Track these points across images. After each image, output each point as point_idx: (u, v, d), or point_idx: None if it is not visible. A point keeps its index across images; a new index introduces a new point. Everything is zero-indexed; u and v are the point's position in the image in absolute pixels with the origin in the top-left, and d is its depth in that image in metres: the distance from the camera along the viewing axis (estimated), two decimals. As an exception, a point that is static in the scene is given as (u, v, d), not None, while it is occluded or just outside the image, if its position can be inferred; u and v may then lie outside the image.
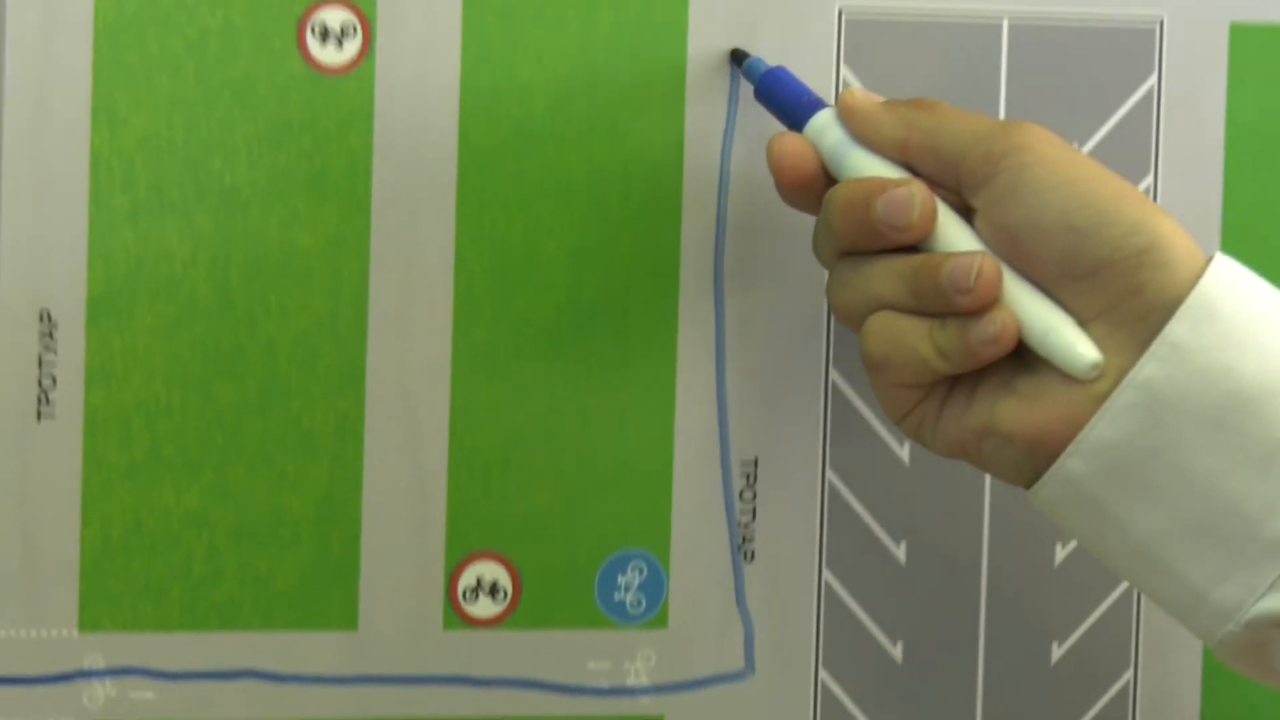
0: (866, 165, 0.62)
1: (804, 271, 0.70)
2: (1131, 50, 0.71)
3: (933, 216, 0.60)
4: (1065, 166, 0.59)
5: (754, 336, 0.70)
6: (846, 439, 0.71)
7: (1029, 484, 0.60)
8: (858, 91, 0.63)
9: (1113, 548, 0.59)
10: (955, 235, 0.60)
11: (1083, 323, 0.58)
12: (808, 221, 0.65)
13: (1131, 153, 0.71)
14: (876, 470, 0.71)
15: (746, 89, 0.68)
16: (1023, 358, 0.59)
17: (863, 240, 0.61)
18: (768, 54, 0.67)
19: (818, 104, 0.65)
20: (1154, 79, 0.71)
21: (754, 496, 0.70)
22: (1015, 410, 0.59)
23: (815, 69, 0.69)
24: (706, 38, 0.69)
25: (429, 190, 0.68)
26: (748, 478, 0.70)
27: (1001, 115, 0.70)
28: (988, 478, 0.71)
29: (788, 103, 0.65)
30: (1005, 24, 0.70)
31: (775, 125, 0.66)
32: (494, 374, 0.69)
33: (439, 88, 0.68)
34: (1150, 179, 0.71)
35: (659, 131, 0.69)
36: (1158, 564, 0.58)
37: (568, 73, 0.68)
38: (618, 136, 0.69)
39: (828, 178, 0.63)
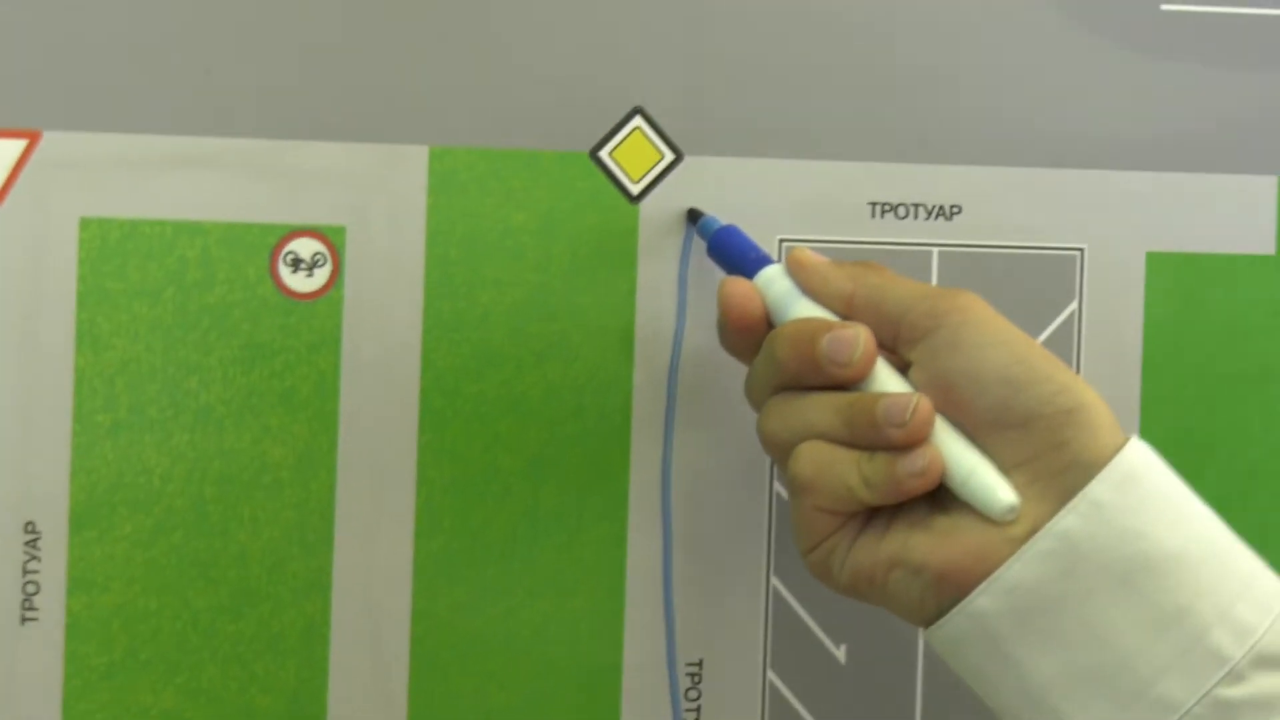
0: (811, 313, 0.65)
1: (747, 482, 0.73)
2: (1055, 277, 0.75)
3: (873, 357, 0.63)
4: (1003, 330, 0.62)
5: (701, 544, 0.73)
6: (786, 641, 0.74)
7: (929, 621, 0.62)
8: (807, 250, 0.67)
9: (1005, 689, 0.61)
10: (889, 380, 0.63)
11: (1004, 470, 0.61)
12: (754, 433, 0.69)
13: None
14: (814, 670, 0.74)
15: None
16: (939, 501, 0.62)
17: (803, 374, 0.64)
18: (713, 284, 0.71)
19: (767, 260, 0.68)
20: (1075, 304, 0.75)
21: (699, 695, 0.73)
22: (928, 543, 0.61)
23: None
24: (655, 265, 0.73)
25: (393, 408, 0.72)
26: (693, 677, 0.73)
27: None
28: (919, 676, 0.75)
29: (738, 257, 0.69)
30: (935, 252, 0.74)
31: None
32: (453, 580, 0.72)
33: (403, 312, 0.71)
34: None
35: (610, 351, 0.73)
36: (1047, 709, 0.60)
37: (525, 298, 0.72)
38: (572, 357, 0.72)
39: (769, 326, 0.67)
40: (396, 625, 0.72)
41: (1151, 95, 0.75)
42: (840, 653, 0.74)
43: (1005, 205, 0.75)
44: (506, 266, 0.72)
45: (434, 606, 0.72)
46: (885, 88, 0.74)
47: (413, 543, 0.72)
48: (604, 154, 0.72)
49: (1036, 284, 0.74)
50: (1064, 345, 0.75)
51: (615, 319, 0.73)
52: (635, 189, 0.73)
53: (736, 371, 0.70)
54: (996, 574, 0.60)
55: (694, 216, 0.72)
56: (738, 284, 0.67)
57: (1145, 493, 0.60)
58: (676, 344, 0.72)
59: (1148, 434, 0.72)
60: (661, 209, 0.73)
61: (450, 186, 0.72)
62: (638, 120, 0.73)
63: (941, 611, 0.61)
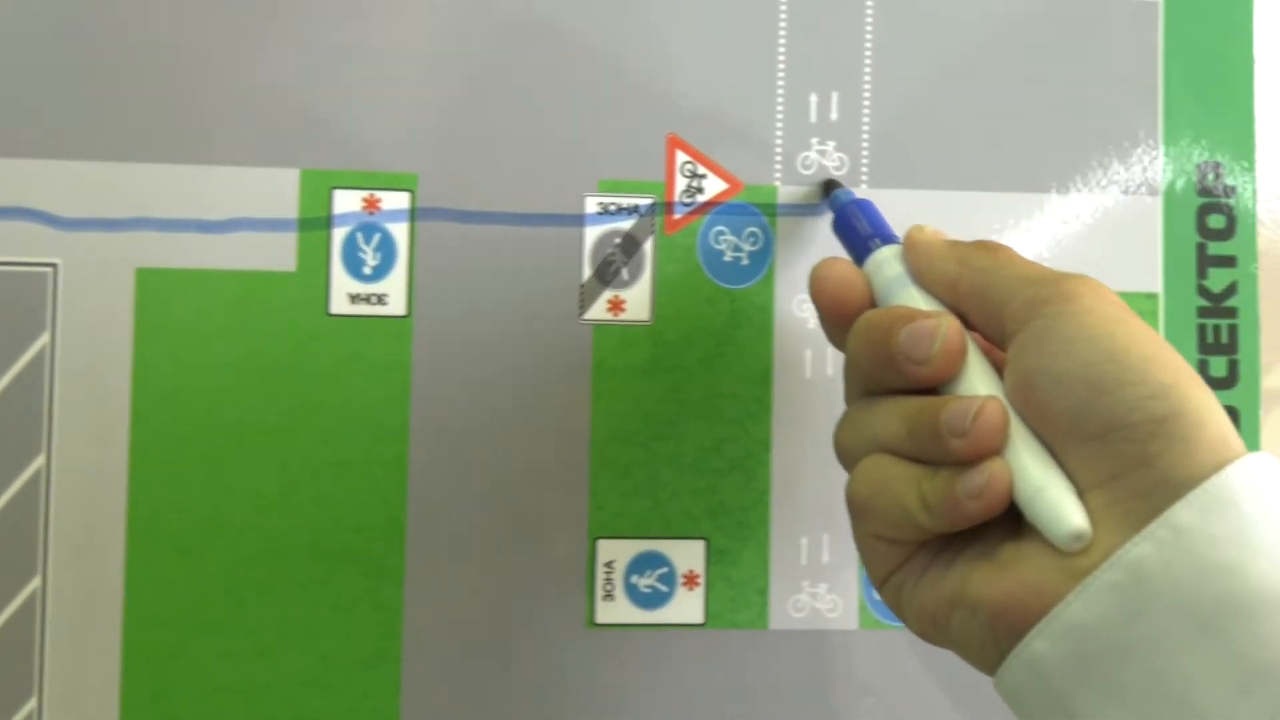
0: (913, 302, 0.57)
1: None
2: (22, 301, 0.60)
3: (958, 355, 0.55)
4: (1107, 321, 0.52)
5: None
6: None
7: (994, 669, 0.53)
8: (927, 227, 0.58)
9: None
10: (982, 383, 0.54)
11: (1084, 491, 0.52)
12: None
13: (25, 416, 0.60)
14: None
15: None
16: (1015, 527, 0.53)
17: (881, 372, 0.55)
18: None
19: (890, 239, 0.60)
20: (48, 335, 0.60)
21: None
22: (987, 575, 0.53)
23: None
24: None
25: None
26: None
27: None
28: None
29: (854, 235, 0.61)
30: None
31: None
32: None
33: None
34: (43, 457, 0.60)
35: None
36: None
37: None
38: None
39: None
40: None
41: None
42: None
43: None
44: None
45: None
46: None
47: None
48: None
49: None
50: (34, 388, 0.60)
51: None
52: None
53: None
54: (1054, 612, 0.51)
55: (829, 188, 0.64)
56: (833, 266, 0.58)
57: (1244, 519, 0.49)
58: None
59: (136, 501, 0.58)
60: None
61: None
62: None
63: (1003, 659, 0.52)
